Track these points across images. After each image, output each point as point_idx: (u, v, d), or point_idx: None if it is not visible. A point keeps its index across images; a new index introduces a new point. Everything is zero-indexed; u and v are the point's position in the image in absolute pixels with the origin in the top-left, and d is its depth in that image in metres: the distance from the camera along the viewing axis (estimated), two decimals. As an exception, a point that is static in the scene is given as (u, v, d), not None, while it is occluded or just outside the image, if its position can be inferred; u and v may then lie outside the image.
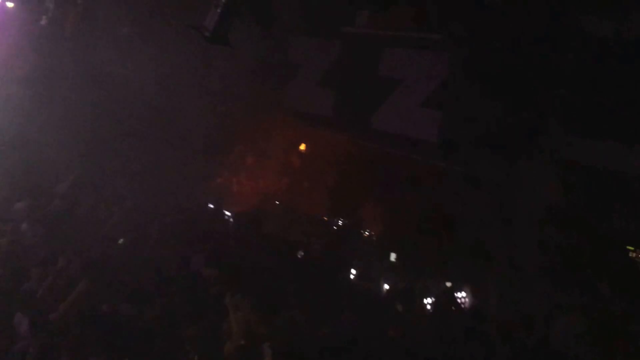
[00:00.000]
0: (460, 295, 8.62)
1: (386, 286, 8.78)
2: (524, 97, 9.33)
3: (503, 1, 9.22)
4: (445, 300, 8.49)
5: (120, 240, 8.63)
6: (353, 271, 8.88)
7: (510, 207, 9.70)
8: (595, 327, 7.53)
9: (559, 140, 9.37)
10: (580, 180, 9.27)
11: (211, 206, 10.47)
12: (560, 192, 9.51)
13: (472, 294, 8.44)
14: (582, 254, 8.91)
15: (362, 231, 10.33)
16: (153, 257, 8.44)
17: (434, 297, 8.41)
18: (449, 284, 8.72)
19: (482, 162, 9.95)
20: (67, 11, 10.73)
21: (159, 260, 8.28)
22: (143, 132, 10.50)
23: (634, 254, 9.16)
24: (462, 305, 8.52)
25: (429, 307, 8.29)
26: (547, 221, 9.41)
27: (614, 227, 8.99)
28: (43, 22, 10.74)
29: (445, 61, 9.98)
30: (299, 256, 9.39)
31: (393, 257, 9.32)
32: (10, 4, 10.82)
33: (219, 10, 9.13)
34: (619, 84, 8.38)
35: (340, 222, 10.65)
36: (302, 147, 11.88)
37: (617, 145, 8.59)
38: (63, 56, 10.93)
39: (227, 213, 10.24)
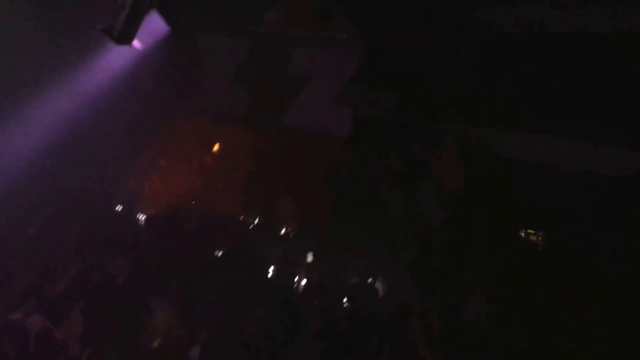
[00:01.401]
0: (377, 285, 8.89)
1: (304, 281, 8.95)
2: (427, 90, 9.77)
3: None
4: (362, 293, 8.74)
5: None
6: (272, 268, 9.00)
7: (416, 196, 10.14)
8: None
9: (461, 129, 9.90)
10: (482, 168, 9.82)
11: (125, 210, 10.31)
12: (463, 179, 10.05)
13: (388, 284, 8.72)
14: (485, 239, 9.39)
15: (278, 228, 10.45)
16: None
17: (352, 291, 8.62)
18: (365, 277, 8.98)
19: (390, 155, 10.35)
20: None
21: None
22: (48, 136, 10.14)
23: (535, 237, 9.74)
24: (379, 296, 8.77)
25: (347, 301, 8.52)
26: (452, 207, 9.92)
27: (515, 211, 9.55)
28: None
29: (353, 59, 10.27)
30: (217, 254, 9.41)
31: (310, 254, 9.48)
32: None
33: (127, 11, 9.08)
34: (518, 75, 8.93)
35: (256, 220, 10.71)
36: (216, 147, 11.84)
37: (518, 134, 9.14)
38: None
39: (142, 216, 10.11)
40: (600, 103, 8.18)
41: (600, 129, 8.39)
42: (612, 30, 8.03)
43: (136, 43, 9.95)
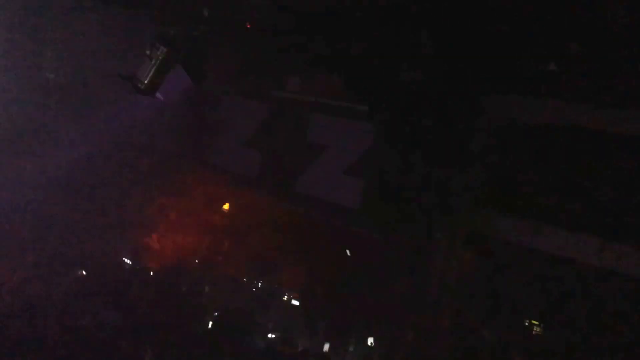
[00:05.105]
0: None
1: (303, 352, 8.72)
2: (440, 172, 9.83)
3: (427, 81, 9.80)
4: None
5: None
6: (272, 335, 8.79)
7: (424, 273, 10.06)
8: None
9: (469, 211, 9.90)
10: (487, 253, 9.76)
11: (127, 261, 10.16)
12: (471, 264, 9.97)
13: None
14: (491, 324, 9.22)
15: (282, 294, 10.27)
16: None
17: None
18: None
19: (399, 231, 10.30)
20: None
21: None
22: (60, 180, 10.11)
23: (538, 329, 9.58)
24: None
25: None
26: (459, 290, 9.81)
27: (522, 300, 9.41)
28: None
29: (370, 132, 10.34)
30: (215, 316, 9.22)
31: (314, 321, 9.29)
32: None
33: (153, 63, 9.17)
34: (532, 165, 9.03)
35: (259, 284, 10.54)
36: (226, 206, 11.79)
37: (528, 222, 9.12)
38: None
39: (144, 270, 9.95)
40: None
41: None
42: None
43: (158, 95, 10.02)
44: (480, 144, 9.88)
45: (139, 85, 9.41)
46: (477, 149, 9.93)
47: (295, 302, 10.00)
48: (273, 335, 8.80)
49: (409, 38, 9.50)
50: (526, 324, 9.66)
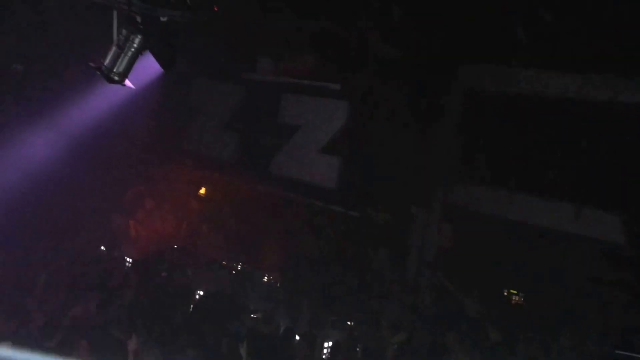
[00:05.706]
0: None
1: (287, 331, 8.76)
2: (415, 147, 9.89)
3: (399, 55, 9.81)
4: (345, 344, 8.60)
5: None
6: (253, 315, 8.81)
7: (403, 248, 10.16)
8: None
9: (445, 185, 9.99)
10: (465, 224, 9.86)
11: (106, 249, 10.15)
12: (449, 235, 10.08)
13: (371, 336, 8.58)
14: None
15: (261, 275, 10.32)
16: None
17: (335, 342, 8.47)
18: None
19: (377, 208, 10.37)
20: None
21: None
22: (35, 172, 10.00)
23: (517, 298, 9.70)
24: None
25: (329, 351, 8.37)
26: (437, 262, 9.93)
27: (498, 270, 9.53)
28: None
29: (344, 110, 10.35)
30: (196, 299, 9.25)
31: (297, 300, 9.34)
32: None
33: (121, 51, 9.05)
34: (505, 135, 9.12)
35: (239, 266, 10.57)
36: (202, 190, 11.79)
37: (503, 192, 9.23)
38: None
39: (123, 257, 9.94)
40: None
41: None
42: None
43: (128, 82, 9.91)
44: (453, 116, 9.98)
45: (108, 73, 9.28)
46: (450, 121, 10.03)
47: (276, 283, 10.07)
48: (254, 316, 8.81)
49: (379, 11, 9.50)
50: (505, 293, 9.81)
